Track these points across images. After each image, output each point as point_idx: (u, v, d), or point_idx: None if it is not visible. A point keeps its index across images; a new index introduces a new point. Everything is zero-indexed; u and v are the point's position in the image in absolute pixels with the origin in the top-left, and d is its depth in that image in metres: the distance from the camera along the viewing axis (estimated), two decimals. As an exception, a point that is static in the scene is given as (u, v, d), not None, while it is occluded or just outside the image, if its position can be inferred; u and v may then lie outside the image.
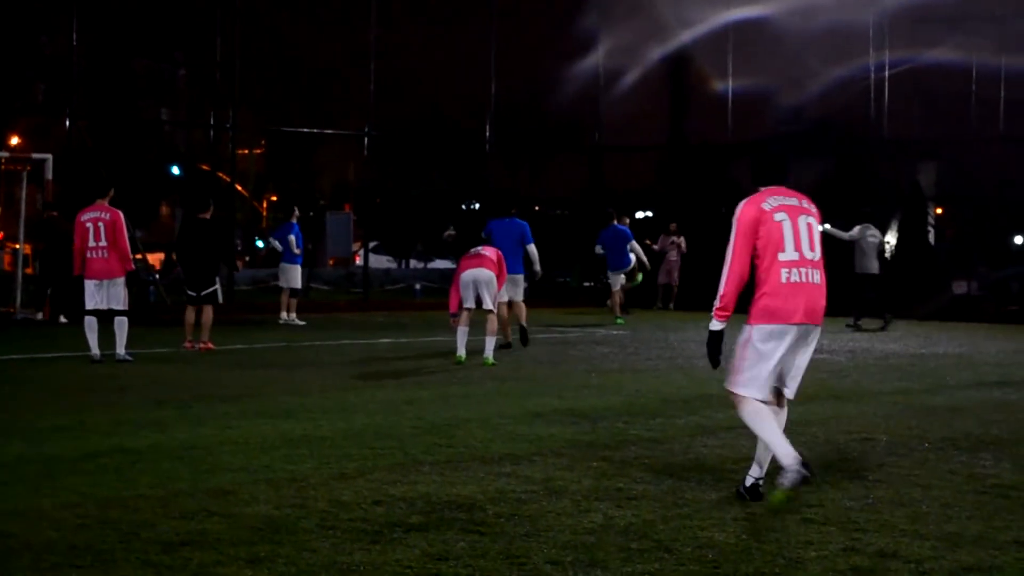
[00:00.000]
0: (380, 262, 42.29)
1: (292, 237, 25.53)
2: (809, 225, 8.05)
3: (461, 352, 17.02)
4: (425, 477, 8.57)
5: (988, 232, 33.59)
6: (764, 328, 7.90)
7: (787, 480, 7.71)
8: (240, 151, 36.61)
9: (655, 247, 32.92)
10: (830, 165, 35.95)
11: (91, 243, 16.91)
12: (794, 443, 9.97)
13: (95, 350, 16.83)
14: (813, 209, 8.18)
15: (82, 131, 29.10)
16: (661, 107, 38.99)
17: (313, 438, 10.29)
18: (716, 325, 8.05)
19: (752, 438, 10.11)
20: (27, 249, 25.11)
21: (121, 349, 16.90)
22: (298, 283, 25.90)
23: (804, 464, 7.74)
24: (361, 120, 34.62)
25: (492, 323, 17.12)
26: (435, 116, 41.25)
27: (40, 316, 24.29)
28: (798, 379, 8.15)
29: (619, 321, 26.27)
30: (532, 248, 19.52)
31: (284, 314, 25.58)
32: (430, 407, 12.46)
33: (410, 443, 10.03)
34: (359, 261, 43.57)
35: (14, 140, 40.48)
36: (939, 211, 36.93)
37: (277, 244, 26.06)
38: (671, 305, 32.73)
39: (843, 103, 34.51)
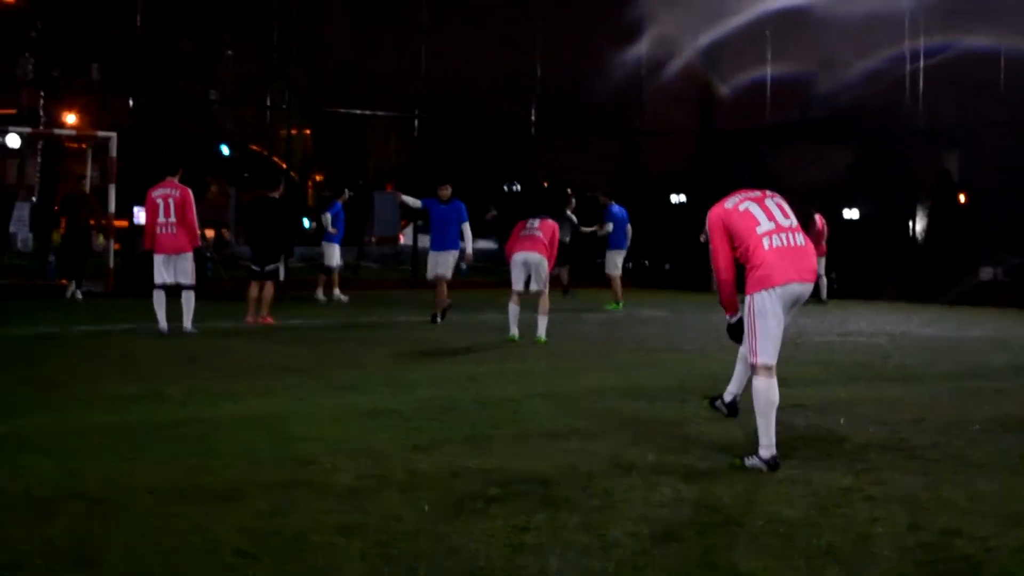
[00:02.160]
0: (426, 241, 42.39)
1: (328, 215, 25.79)
2: (777, 204, 8.69)
3: (514, 331, 17.32)
4: (496, 451, 8.84)
5: (1014, 219, 33.55)
6: (761, 294, 8.44)
7: (751, 462, 8.46)
8: (285, 131, 36.84)
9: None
10: (861, 152, 36.08)
11: (160, 219, 17.29)
12: (849, 423, 10.34)
13: (163, 323, 17.22)
14: (778, 197, 8.79)
15: (144, 109, 29.51)
16: (699, 93, 39.06)
17: (382, 411, 10.59)
18: (731, 319, 8.95)
19: (806, 416, 10.44)
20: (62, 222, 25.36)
21: (188, 322, 17.31)
22: (333, 261, 26.06)
23: (774, 459, 8.43)
24: (408, 102, 35.01)
25: (544, 303, 17.38)
26: (480, 98, 41.42)
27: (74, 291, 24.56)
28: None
29: (617, 306, 24.93)
30: (466, 227, 19.92)
31: (319, 292, 25.87)
32: (490, 383, 12.76)
33: (477, 417, 10.31)
34: (403, 240, 43.88)
35: (71, 118, 40.86)
36: (963, 198, 36.90)
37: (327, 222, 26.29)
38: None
39: (876, 91, 34.54)
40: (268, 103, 33.22)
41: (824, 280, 29.55)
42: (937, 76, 33.39)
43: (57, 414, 10.08)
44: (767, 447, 8.47)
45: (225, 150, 46.51)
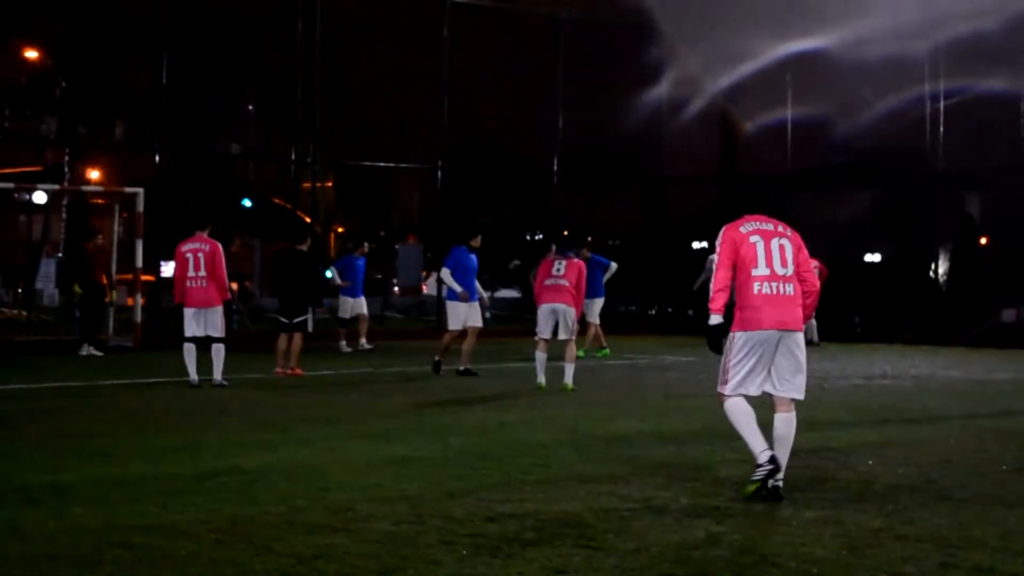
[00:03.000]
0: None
1: (334, 269, 26.16)
2: (781, 246, 9.12)
3: (541, 379, 17.45)
4: (529, 495, 8.95)
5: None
6: (743, 335, 9.04)
7: (758, 474, 8.86)
8: (306, 184, 37.13)
9: None
10: (882, 195, 36.20)
11: (191, 272, 17.48)
12: (878, 465, 10.42)
13: (193, 375, 17.41)
14: (789, 234, 9.24)
15: (170, 165, 29.84)
16: (719, 138, 39.28)
17: (415, 458, 10.71)
18: (714, 319, 9.18)
19: (836, 458, 10.53)
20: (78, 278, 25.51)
21: (218, 374, 17.50)
22: (345, 313, 26.38)
23: (772, 459, 8.86)
24: (430, 153, 35.31)
25: (571, 351, 17.50)
26: (501, 147, 41.68)
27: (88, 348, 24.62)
28: (795, 380, 9.22)
29: (606, 352, 25.07)
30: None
31: (343, 343, 26.08)
32: (520, 429, 12.89)
33: (508, 463, 10.42)
34: (426, 290, 44.13)
35: (94, 174, 41.27)
36: (984, 241, 36.98)
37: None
38: None
39: (896, 133, 34.68)
40: (293, 156, 33.53)
41: (813, 323, 29.81)
42: (956, 119, 33.52)
43: (96, 465, 10.21)
44: (760, 452, 8.96)
45: (247, 203, 46.86)
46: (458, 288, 19.47)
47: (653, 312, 38.69)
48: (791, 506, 8.64)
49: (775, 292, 9.00)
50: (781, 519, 8.21)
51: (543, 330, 17.41)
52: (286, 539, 7.46)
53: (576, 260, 17.59)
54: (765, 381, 9.23)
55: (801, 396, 9.30)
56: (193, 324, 17.56)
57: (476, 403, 15.68)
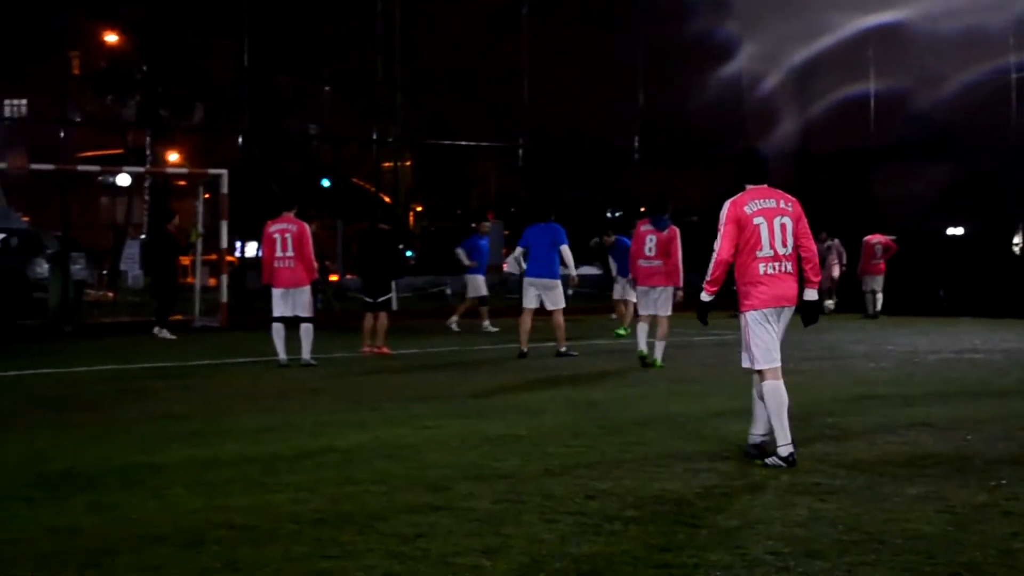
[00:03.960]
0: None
1: (461, 249, 26.08)
2: (783, 225, 9.52)
3: (642, 346, 17.59)
4: (627, 474, 8.91)
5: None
6: (755, 313, 9.49)
7: (771, 461, 9.23)
8: (386, 164, 37.27)
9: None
10: (963, 168, 35.79)
11: (279, 253, 17.59)
12: (977, 440, 10.30)
13: (282, 355, 17.53)
14: (790, 208, 9.64)
15: (252, 147, 30.03)
16: (799, 112, 38.96)
17: (509, 437, 10.71)
18: (706, 297, 9.82)
19: (933, 433, 10.42)
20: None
21: (307, 354, 17.62)
22: (479, 291, 26.29)
23: (792, 456, 9.19)
24: (510, 132, 35.26)
25: (663, 328, 17.44)
26: (581, 126, 41.61)
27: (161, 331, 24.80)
28: (780, 350, 9.60)
29: (625, 332, 24.02)
30: (566, 250, 19.22)
31: (486, 323, 25.96)
32: (612, 408, 12.84)
33: (603, 442, 10.39)
34: (506, 268, 44.11)
35: (174, 157, 41.64)
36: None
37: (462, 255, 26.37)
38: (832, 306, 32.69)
39: (978, 105, 34.27)
40: (374, 136, 33.63)
41: (879, 296, 29.62)
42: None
43: (192, 446, 10.29)
44: (785, 446, 9.24)
45: (326, 183, 47.13)
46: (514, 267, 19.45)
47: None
48: (892, 483, 8.54)
49: (777, 271, 9.51)
50: (884, 496, 8.11)
51: (643, 307, 17.67)
52: (387, 518, 7.47)
53: (665, 232, 17.31)
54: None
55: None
56: (281, 304, 17.67)
57: (565, 381, 15.65)
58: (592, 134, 41.11)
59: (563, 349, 19.26)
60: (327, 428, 11.27)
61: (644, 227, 17.50)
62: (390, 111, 33.62)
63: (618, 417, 12.02)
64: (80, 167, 30.95)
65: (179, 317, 26.01)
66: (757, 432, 9.69)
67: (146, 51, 40.58)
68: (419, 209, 57.10)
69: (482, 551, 6.68)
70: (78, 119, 41.15)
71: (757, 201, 9.57)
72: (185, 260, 32.40)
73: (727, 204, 9.60)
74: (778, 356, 9.49)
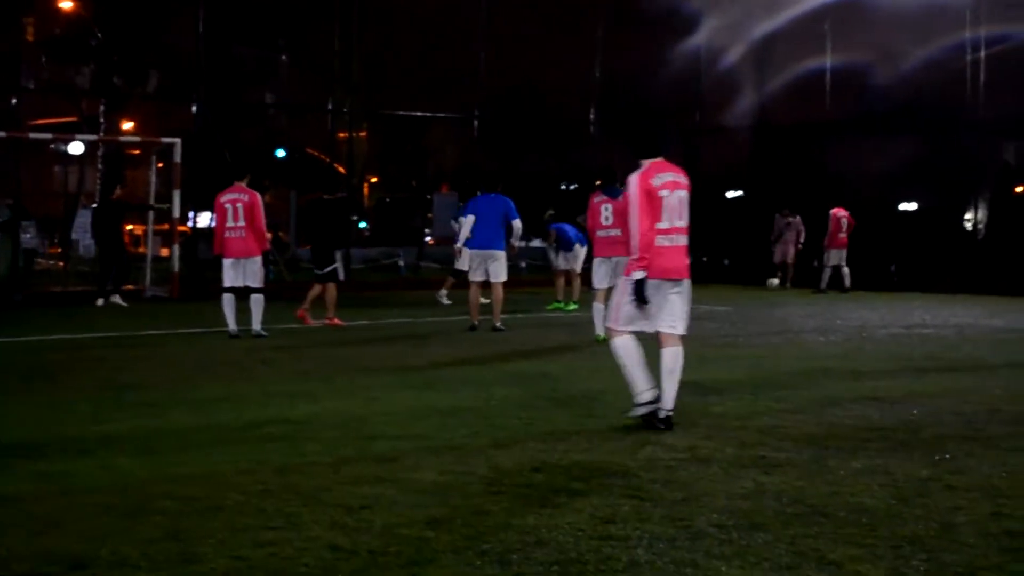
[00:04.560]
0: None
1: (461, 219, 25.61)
2: (681, 199, 9.90)
3: (600, 331, 16.80)
4: (575, 446, 8.94)
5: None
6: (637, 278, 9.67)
7: (635, 412, 9.81)
8: (342, 134, 37.11)
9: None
10: (920, 143, 35.94)
11: (229, 223, 17.52)
12: (924, 414, 10.38)
13: (233, 325, 17.49)
14: (685, 181, 10.03)
15: (206, 116, 29.88)
16: (756, 86, 38.96)
17: (459, 408, 10.72)
18: (639, 275, 9.72)
19: (880, 407, 10.50)
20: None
21: (257, 324, 17.58)
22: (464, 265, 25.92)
23: (657, 398, 9.77)
24: (465, 103, 35.21)
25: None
26: (537, 97, 41.52)
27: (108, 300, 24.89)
28: (680, 319, 9.99)
29: (558, 306, 24.01)
30: (517, 223, 19.18)
31: (443, 292, 25.59)
32: (562, 380, 12.85)
33: (552, 414, 10.42)
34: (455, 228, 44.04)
35: (128, 125, 41.31)
36: (1021, 189, 36.71)
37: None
38: (788, 284, 32.84)
39: (936, 81, 34.38)
40: (329, 107, 33.46)
41: (845, 271, 29.74)
42: (997, 66, 33.20)
43: (141, 416, 10.25)
44: (643, 391, 9.81)
45: (281, 153, 46.89)
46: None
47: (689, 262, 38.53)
48: (838, 456, 8.59)
49: (672, 244, 9.81)
50: (828, 469, 8.17)
51: (599, 281, 16.77)
52: (333, 489, 7.46)
53: (620, 198, 16.97)
54: (655, 321, 9.93)
55: (685, 332, 10.05)
56: (231, 274, 17.61)
57: (516, 353, 15.67)
58: (549, 106, 41.02)
59: (498, 324, 19.00)
60: (276, 399, 11.26)
61: (597, 198, 17.09)
62: (347, 81, 33.46)
63: (568, 390, 12.05)
64: (32, 135, 30.65)
65: (131, 287, 25.87)
66: (645, 400, 9.95)
67: (100, 18, 40.18)
68: (374, 180, 56.95)
69: (426, 522, 6.67)
70: (31, 86, 40.73)
71: (661, 175, 9.87)
72: (138, 229, 32.25)
73: (635, 179, 9.81)
74: (642, 325, 9.89)
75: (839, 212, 30.79)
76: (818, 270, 32.00)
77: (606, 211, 16.74)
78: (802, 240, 32.79)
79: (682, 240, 9.91)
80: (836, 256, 30.85)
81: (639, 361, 9.91)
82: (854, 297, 28.56)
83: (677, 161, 10.36)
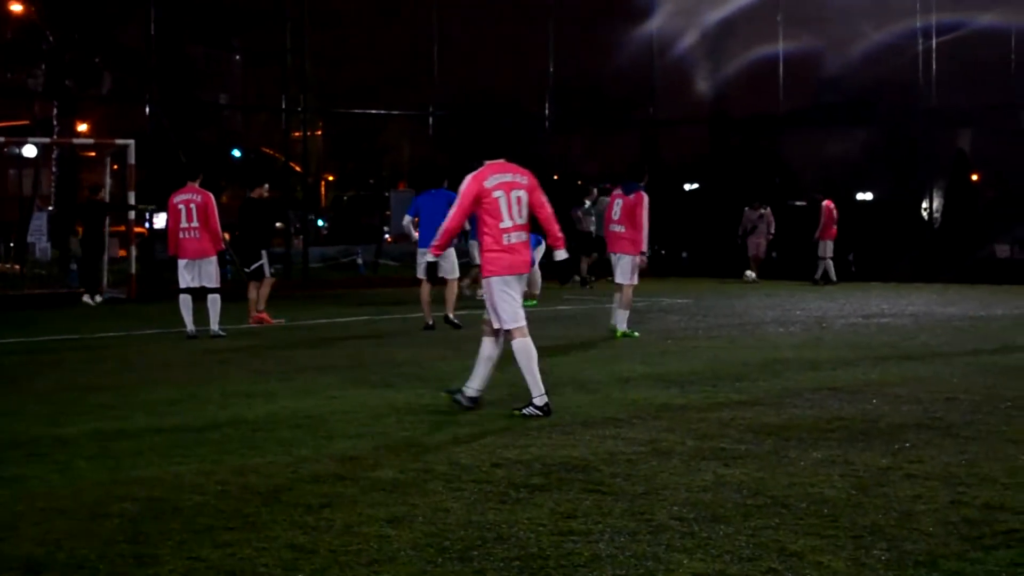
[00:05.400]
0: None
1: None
2: (519, 198, 10.30)
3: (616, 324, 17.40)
4: (535, 441, 8.93)
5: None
6: (497, 279, 10.23)
7: (528, 411, 10.05)
8: (297, 133, 36.96)
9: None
10: (876, 133, 36.11)
11: (183, 224, 17.42)
12: (882, 404, 10.43)
13: (190, 327, 17.38)
14: (524, 181, 10.41)
15: (160, 117, 29.71)
16: (711, 77, 39.03)
17: (418, 406, 10.70)
18: (431, 258, 11.05)
19: (839, 398, 10.52)
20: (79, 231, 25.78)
21: (215, 325, 17.48)
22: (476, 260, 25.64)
23: (547, 405, 10.08)
24: (421, 101, 35.14)
25: (626, 295, 17.25)
26: (492, 93, 41.49)
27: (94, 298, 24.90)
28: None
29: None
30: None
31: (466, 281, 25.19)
32: (520, 376, 12.79)
33: (511, 410, 10.38)
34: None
35: (82, 127, 41.05)
36: (976, 177, 36.96)
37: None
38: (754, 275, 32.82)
39: (889, 71, 34.55)
40: (283, 105, 33.33)
41: (830, 263, 29.78)
42: (950, 55, 33.38)
43: (98, 419, 10.18)
44: (540, 396, 10.12)
45: (236, 153, 46.72)
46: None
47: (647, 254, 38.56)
48: (798, 447, 8.62)
49: (519, 241, 10.31)
50: (789, 460, 8.18)
51: (619, 277, 17.25)
52: (293, 489, 7.43)
53: (631, 196, 16.95)
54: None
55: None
56: (187, 275, 17.51)
57: (475, 351, 15.55)
58: (504, 101, 40.97)
59: (451, 315, 18.84)
60: (234, 399, 11.21)
61: (615, 192, 17.49)
62: (300, 80, 33.30)
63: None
64: (-17, 138, 30.44)
65: (82, 290, 25.75)
66: (474, 386, 10.48)
67: (52, 20, 39.89)
68: (331, 179, 56.79)
69: (387, 520, 6.65)
70: (-18, 90, 40.53)
71: (496, 176, 10.29)
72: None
73: (468, 179, 10.30)
74: (523, 316, 10.26)
75: (831, 204, 30.61)
76: (777, 262, 32.07)
77: (617, 206, 17.01)
78: (772, 232, 32.76)
79: (524, 236, 10.39)
80: (831, 247, 30.64)
81: (535, 362, 10.28)
82: (815, 288, 28.61)
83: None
